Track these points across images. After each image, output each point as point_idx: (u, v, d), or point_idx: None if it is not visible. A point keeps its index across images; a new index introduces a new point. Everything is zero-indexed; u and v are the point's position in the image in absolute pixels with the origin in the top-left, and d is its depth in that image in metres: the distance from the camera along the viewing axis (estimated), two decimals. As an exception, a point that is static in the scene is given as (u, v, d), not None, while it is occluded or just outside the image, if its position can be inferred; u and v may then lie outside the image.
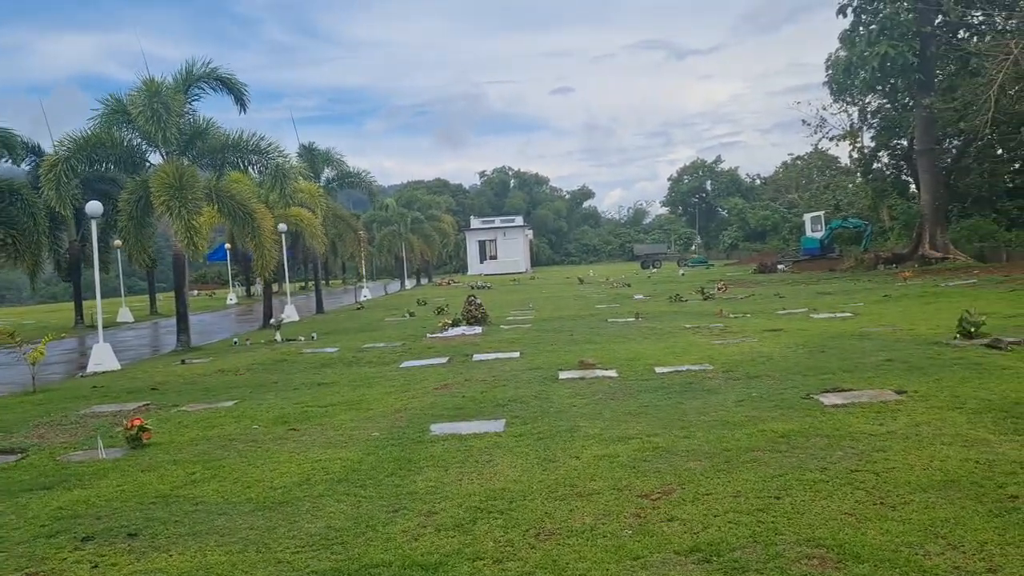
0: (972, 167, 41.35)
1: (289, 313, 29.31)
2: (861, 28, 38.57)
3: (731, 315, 20.47)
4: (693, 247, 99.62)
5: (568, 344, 16.16)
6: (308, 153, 33.43)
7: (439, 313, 26.66)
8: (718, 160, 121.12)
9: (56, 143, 20.90)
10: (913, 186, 48.46)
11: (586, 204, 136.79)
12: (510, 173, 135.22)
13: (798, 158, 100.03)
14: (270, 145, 21.38)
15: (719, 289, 29.74)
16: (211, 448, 8.65)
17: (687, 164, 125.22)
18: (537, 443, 7.88)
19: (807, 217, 53.01)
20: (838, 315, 18.84)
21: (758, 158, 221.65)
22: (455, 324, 21.14)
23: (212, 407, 11.48)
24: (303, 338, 21.25)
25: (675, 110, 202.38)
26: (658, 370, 11.86)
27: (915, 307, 19.79)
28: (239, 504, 6.47)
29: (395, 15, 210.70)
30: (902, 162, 48.77)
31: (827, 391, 9.43)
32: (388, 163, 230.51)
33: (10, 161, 31.07)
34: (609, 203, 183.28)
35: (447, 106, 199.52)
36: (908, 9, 35.51)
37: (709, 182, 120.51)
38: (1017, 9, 37.03)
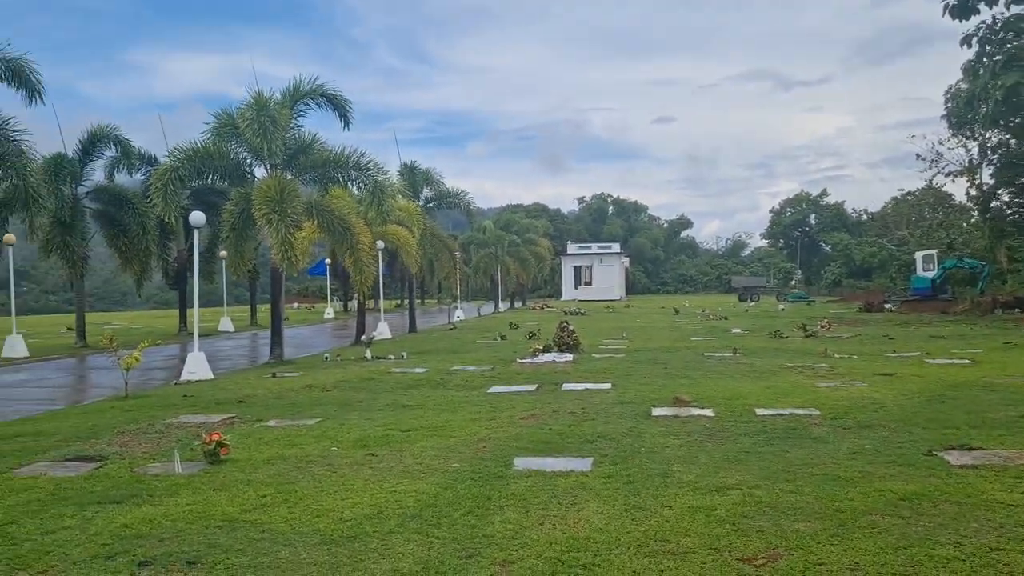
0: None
1: (382, 330, 29.37)
2: (985, 59, 36.52)
3: (836, 355, 19.32)
4: (793, 282, 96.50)
5: (662, 378, 15.44)
6: (409, 172, 33.64)
7: (531, 338, 26.21)
8: (824, 193, 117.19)
9: (167, 154, 21.44)
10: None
11: (684, 234, 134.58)
12: (608, 200, 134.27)
13: (908, 194, 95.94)
14: (370, 162, 21.46)
15: (822, 327, 28.35)
16: (287, 469, 8.36)
17: (790, 196, 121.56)
18: (626, 487, 7.29)
19: (919, 255, 50.39)
20: (956, 362, 17.52)
21: (864, 193, 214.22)
22: (546, 350, 20.62)
23: (295, 424, 11.28)
24: (393, 356, 21.10)
25: (778, 142, 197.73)
26: (759, 412, 11.07)
27: (1045, 357, 18.25)
28: (306, 535, 6.09)
29: (502, 42, 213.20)
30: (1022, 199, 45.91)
31: (951, 448, 8.51)
32: (488, 186, 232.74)
33: (127, 171, 32.26)
34: (707, 233, 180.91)
35: (549, 131, 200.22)
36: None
37: (813, 216, 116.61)
38: None
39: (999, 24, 35.51)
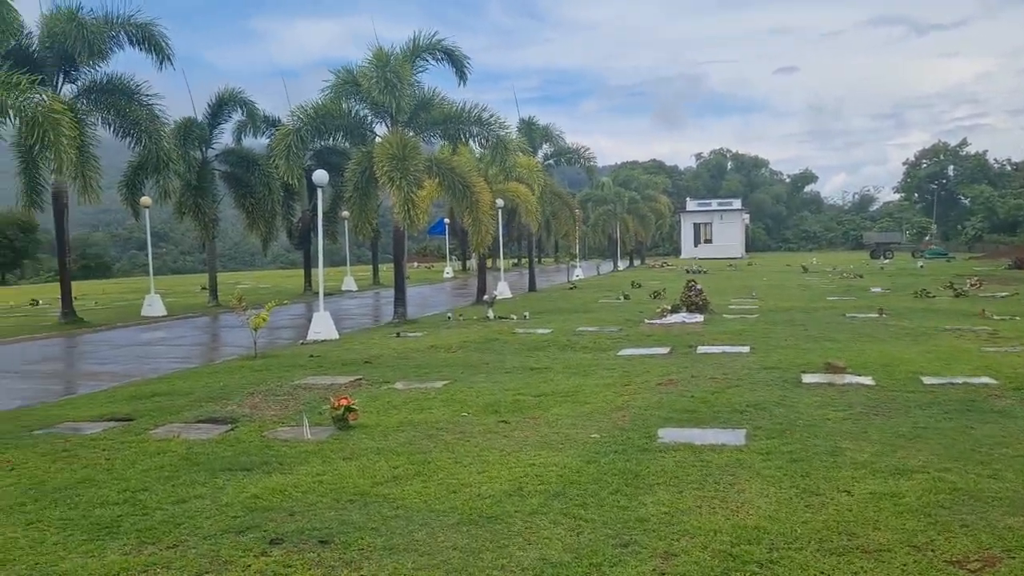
0: None
1: (502, 290, 29.05)
2: None
3: (996, 316, 17.69)
4: (927, 237, 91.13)
5: (804, 340, 14.40)
6: (527, 128, 32.91)
7: (655, 297, 25.37)
8: (963, 143, 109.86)
9: (289, 114, 21.48)
10: None
11: (807, 189, 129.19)
12: (727, 155, 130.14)
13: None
14: (492, 117, 20.90)
15: (972, 285, 26.31)
16: (418, 437, 7.96)
17: (926, 148, 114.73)
18: (791, 466, 6.52)
19: (1080, 208, 46.41)
20: None
21: (1006, 142, 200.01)
22: (674, 310, 19.76)
23: (422, 387, 10.94)
24: (515, 316, 20.67)
25: (910, 90, 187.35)
26: (925, 380, 10.00)
27: None
28: (443, 514, 5.63)
29: None
30: None
31: None
32: (603, 143, 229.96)
33: (252, 134, 32.88)
34: (831, 188, 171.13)
35: (663, 87, 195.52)
36: None
37: (951, 167, 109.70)
38: None
39: None
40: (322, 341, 17.03)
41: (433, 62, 21.12)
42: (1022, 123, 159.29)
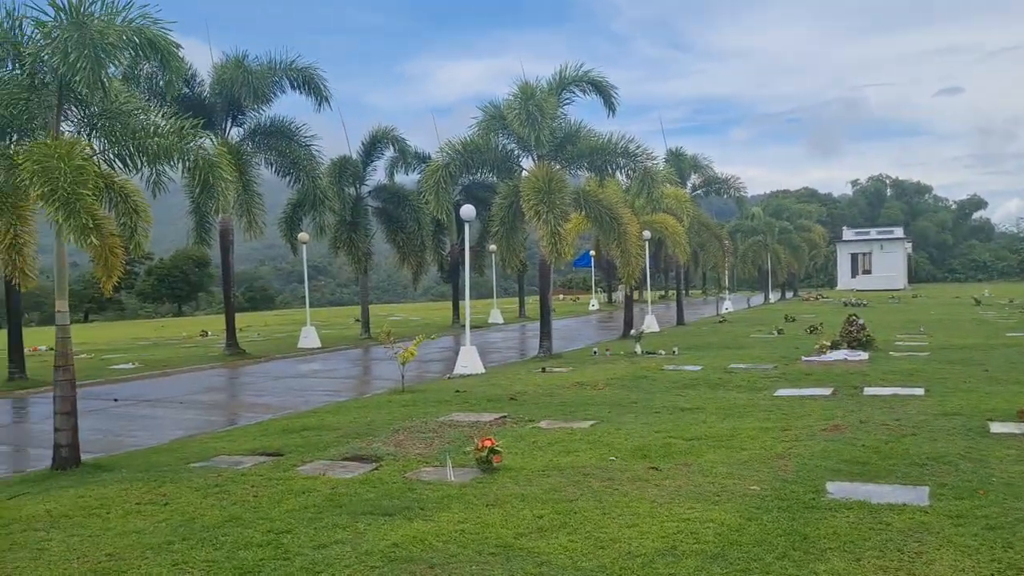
0: None
1: (649, 323, 28.38)
2: None
3: None
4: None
5: (986, 383, 13.09)
6: (675, 159, 32.29)
7: (812, 332, 24.05)
8: None
9: (437, 150, 21.85)
10: None
11: (976, 215, 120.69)
12: (886, 181, 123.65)
13: None
14: (639, 148, 20.47)
15: None
16: (563, 483, 7.59)
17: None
18: (988, 534, 5.72)
19: None
20: None
21: None
22: (834, 347, 18.57)
23: (568, 426, 10.58)
24: (663, 352, 20.02)
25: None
26: None
27: None
28: (590, 573, 5.23)
29: (764, 22, 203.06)
30: None
31: None
32: (752, 172, 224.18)
33: (404, 170, 33.81)
34: (1002, 215, 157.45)
35: (817, 112, 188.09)
36: None
37: None
38: None
39: None
40: (468, 375, 16.99)
41: (580, 94, 20.99)
42: None
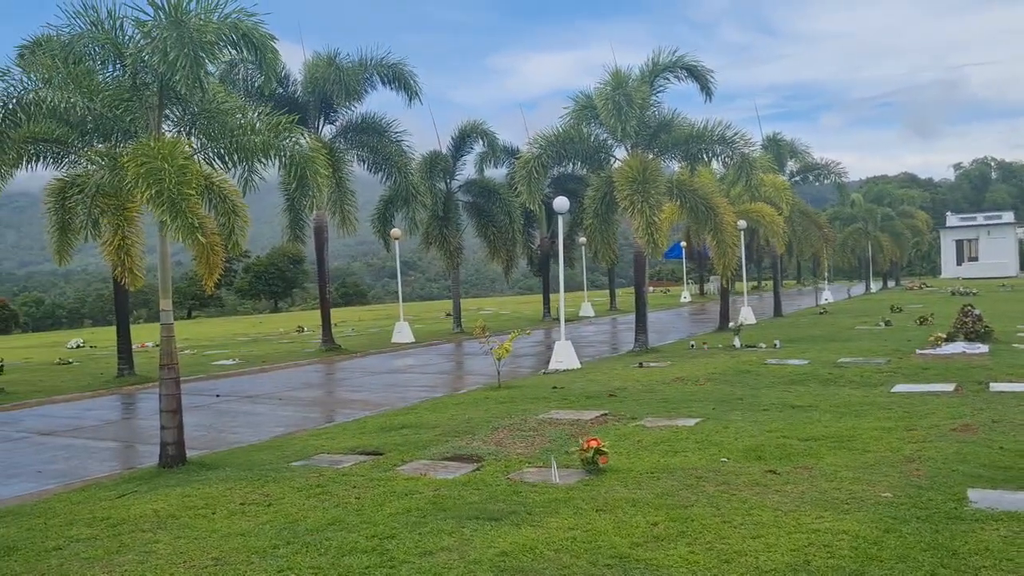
0: None
1: (745, 315, 27.56)
2: None
3: None
4: None
5: None
6: (772, 144, 31.24)
7: (922, 324, 22.90)
8: None
9: (529, 141, 21.59)
10: None
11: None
12: (992, 164, 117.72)
13: None
14: (736, 134, 19.76)
15: None
16: (675, 486, 7.22)
17: None
18: None
19: None
20: None
21: None
22: (950, 339, 17.57)
23: (672, 424, 10.18)
24: (764, 345, 19.32)
25: None
26: None
27: None
28: (716, 589, 4.87)
29: (855, 3, 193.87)
30: None
31: None
32: (846, 158, 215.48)
33: (493, 164, 33.68)
34: None
35: (914, 95, 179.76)
36: None
37: None
38: None
39: None
40: (564, 371, 16.70)
41: (674, 80, 20.39)
42: None
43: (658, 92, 20.40)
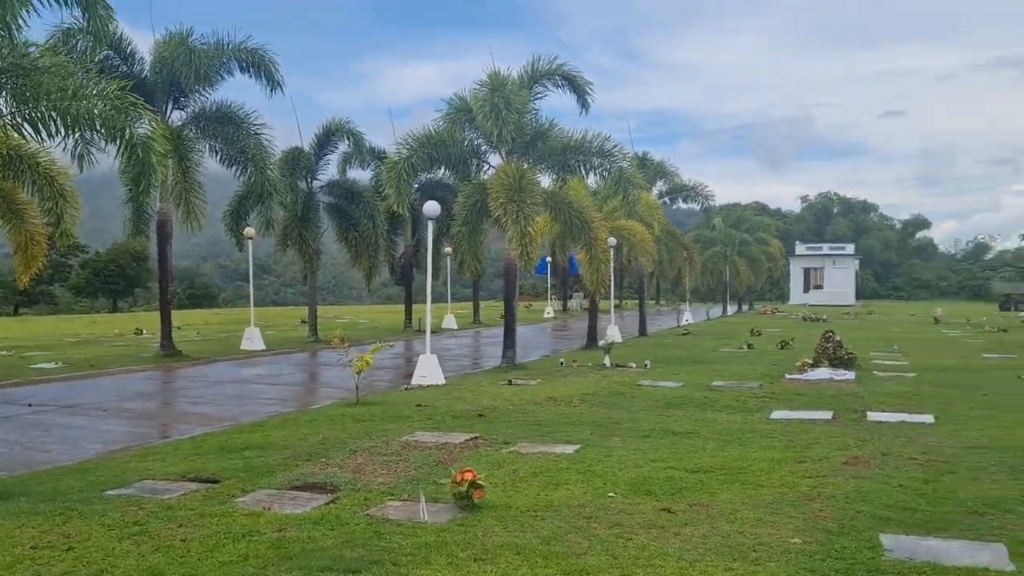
0: None
1: (612, 333, 27.23)
2: None
3: None
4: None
5: (994, 409, 12.15)
6: (641, 163, 31.21)
7: (783, 347, 23.19)
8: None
9: (398, 142, 20.38)
10: None
11: (919, 235, 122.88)
12: (834, 199, 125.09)
13: None
14: (615, 147, 19.28)
15: None
16: (562, 528, 6.26)
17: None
18: (1111, 615, 4.55)
19: None
20: None
21: None
22: (816, 364, 17.64)
23: (550, 451, 9.27)
24: (635, 365, 18.85)
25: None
26: None
27: None
28: (632, 676, 3.90)
29: (716, 39, 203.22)
30: None
31: None
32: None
33: (359, 165, 32.19)
34: (941, 236, 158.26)
35: (766, 129, 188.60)
36: None
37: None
38: None
39: None
40: (428, 386, 15.57)
41: (553, 88, 19.73)
42: None
43: (536, 99, 19.72)
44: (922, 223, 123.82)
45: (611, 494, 7.38)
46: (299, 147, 28.47)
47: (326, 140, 29.41)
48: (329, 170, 30.36)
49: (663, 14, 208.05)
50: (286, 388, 16.97)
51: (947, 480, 7.74)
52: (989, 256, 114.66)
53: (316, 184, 29.37)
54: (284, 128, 28.13)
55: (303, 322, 32.46)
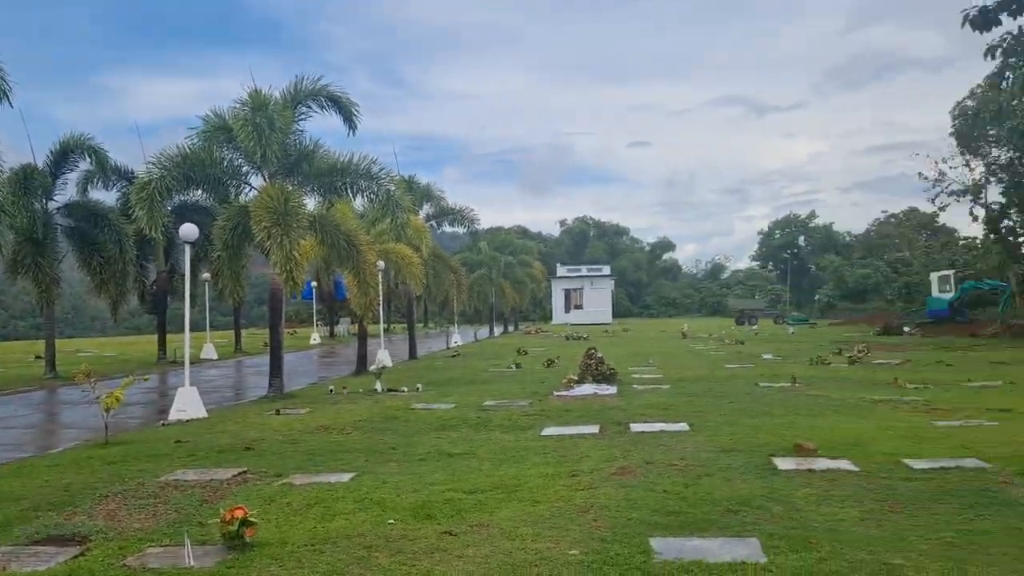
0: None
1: (383, 358, 26.92)
2: (1009, 73, 34.89)
3: (909, 385, 17.23)
4: (779, 305, 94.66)
5: (740, 415, 13.22)
6: (408, 186, 31.28)
7: (549, 366, 24.08)
8: (812, 215, 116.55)
9: (149, 160, 19.02)
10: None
11: (666, 256, 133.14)
12: (590, 223, 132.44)
13: (891, 216, 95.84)
14: (382, 170, 19.15)
15: (860, 352, 26.31)
16: (342, 560, 6.03)
17: (779, 218, 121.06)
18: (853, 595, 5.05)
19: (935, 276, 48.77)
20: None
21: (837, 217, 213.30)
22: (580, 380, 18.41)
23: (324, 481, 8.94)
24: (407, 389, 18.75)
25: (753, 167, 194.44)
26: (912, 465, 8.85)
27: None
28: None
29: (478, 69, 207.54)
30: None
31: None
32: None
33: (102, 185, 29.76)
34: (684, 257, 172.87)
35: (527, 156, 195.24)
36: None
37: (802, 238, 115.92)
38: None
39: (1025, 34, 34.00)
40: (188, 421, 14.55)
41: (318, 109, 19.27)
42: (850, 199, 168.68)
43: (301, 119, 19.17)
44: (668, 245, 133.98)
45: (391, 521, 7.22)
46: (32, 164, 25.81)
47: (63, 158, 26.89)
48: (68, 190, 27.79)
49: (425, 42, 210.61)
50: (21, 432, 15.17)
51: (704, 483, 8.28)
52: (725, 275, 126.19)
53: (53, 205, 26.75)
54: (14, 142, 25.46)
55: (39, 357, 29.34)
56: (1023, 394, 15.28)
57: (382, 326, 30.65)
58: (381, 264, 24.86)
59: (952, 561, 5.65)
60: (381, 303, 27.67)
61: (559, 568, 5.77)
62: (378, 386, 18.76)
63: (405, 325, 36.09)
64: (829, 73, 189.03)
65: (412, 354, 31.25)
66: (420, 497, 8.08)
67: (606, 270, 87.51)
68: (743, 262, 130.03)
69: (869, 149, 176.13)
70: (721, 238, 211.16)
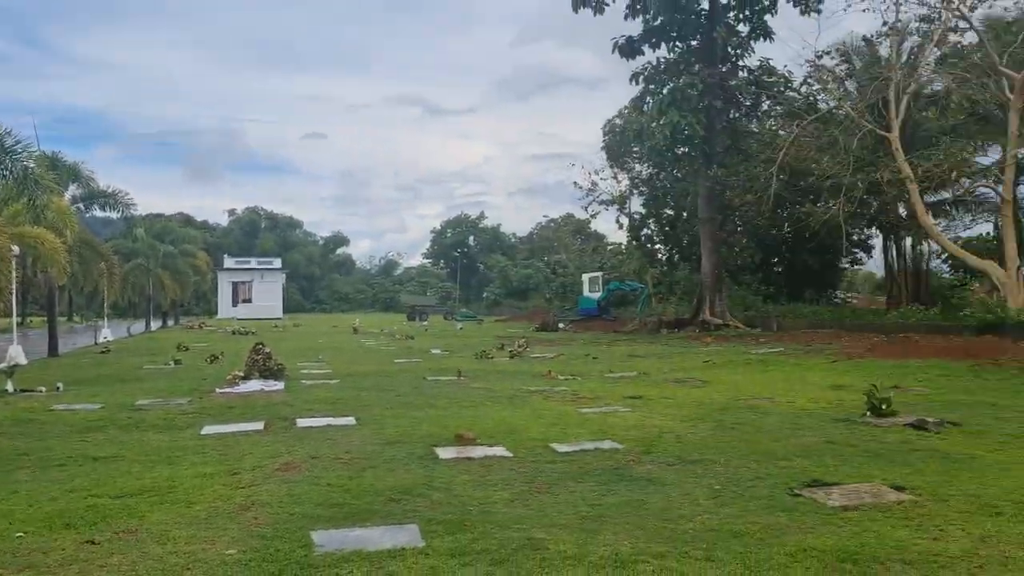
0: (742, 240, 42.91)
1: (15, 354, 23.91)
2: (649, 98, 39.44)
3: (561, 377, 18.82)
4: (449, 301, 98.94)
5: (406, 408, 13.57)
6: (52, 164, 28.09)
7: (213, 361, 22.99)
8: (481, 216, 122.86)
9: None
10: (676, 255, 50.28)
11: (340, 251, 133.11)
12: (262, 214, 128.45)
13: (552, 220, 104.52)
14: (18, 144, 17.00)
15: (519, 346, 28.23)
16: (-45, 584, 5.30)
17: (451, 218, 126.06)
18: (496, 570, 5.43)
19: (585, 277, 53.74)
20: (687, 380, 17.58)
21: (504, 219, 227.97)
22: (247, 377, 17.79)
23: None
24: (44, 389, 16.86)
25: (428, 166, 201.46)
26: (558, 448, 9.68)
27: (757, 375, 19.04)
28: None
29: (135, 39, 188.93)
30: (667, 229, 50.12)
31: (810, 485, 7.70)
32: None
33: None
34: (358, 252, 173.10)
35: (194, 139, 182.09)
36: (694, 85, 36.43)
37: (472, 237, 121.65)
38: (784, 98, 39.63)
39: (662, 66, 38.64)
40: None
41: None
42: (516, 203, 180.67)
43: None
44: (342, 240, 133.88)
45: (19, 534, 6.48)
46: None
47: None
48: None
49: (73, 2, 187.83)
50: None
51: (368, 475, 8.40)
52: (398, 272, 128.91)
53: None
54: None
55: None
56: (652, 383, 17.31)
57: (15, 319, 27.17)
58: (16, 249, 22.09)
59: (585, 532, 6.27)
60: (14, 293, 24.59)
61: (214, 569, 5.54)
62: (9, 386, 16.67)
63: (46, 318, 32.32)
64: (499, 83, 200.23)
65: (53, 350, 28.11)
66: (57, 506, 7.33)
67: (277, 263, 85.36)
68: (416, 259, 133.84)
69: (532, 157, 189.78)
70: (395, 235, 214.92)
